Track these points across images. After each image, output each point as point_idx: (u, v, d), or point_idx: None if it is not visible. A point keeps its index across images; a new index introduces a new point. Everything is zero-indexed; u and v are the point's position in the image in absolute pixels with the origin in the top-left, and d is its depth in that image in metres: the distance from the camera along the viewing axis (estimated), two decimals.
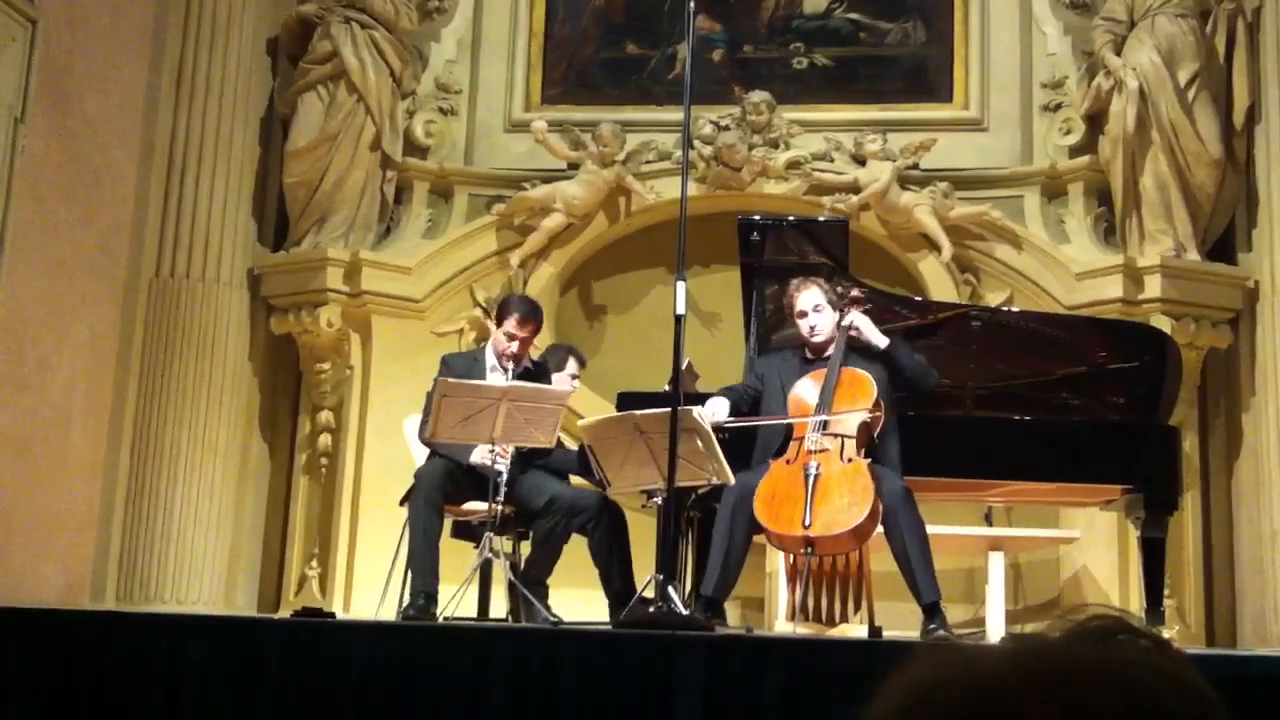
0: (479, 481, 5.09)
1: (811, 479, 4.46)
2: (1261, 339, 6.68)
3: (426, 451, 5.34)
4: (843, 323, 4.85)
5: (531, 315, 5.39)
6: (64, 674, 3.89)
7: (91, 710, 3.85)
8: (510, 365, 5.31)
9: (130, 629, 4.14)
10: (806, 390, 4.79)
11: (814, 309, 4.89)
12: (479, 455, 5.13)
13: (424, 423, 5.19)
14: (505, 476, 5.03)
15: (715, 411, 4.76)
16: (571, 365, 5.66)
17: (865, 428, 4.66)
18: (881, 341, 4.82)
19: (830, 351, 4.87)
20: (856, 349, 4.84)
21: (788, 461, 4.64)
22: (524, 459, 5.25)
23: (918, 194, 7.24)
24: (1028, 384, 5.68)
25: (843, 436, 4.61)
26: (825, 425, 4.63)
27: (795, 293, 4.96)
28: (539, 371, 5.47)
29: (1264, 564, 6.39)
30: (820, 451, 4.57)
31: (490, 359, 5.45)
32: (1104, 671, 0.72)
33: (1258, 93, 6.84)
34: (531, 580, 5.15)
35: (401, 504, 5.32)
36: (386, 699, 3.68)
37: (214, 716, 3.79)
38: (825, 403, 4.69)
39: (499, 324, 5.42)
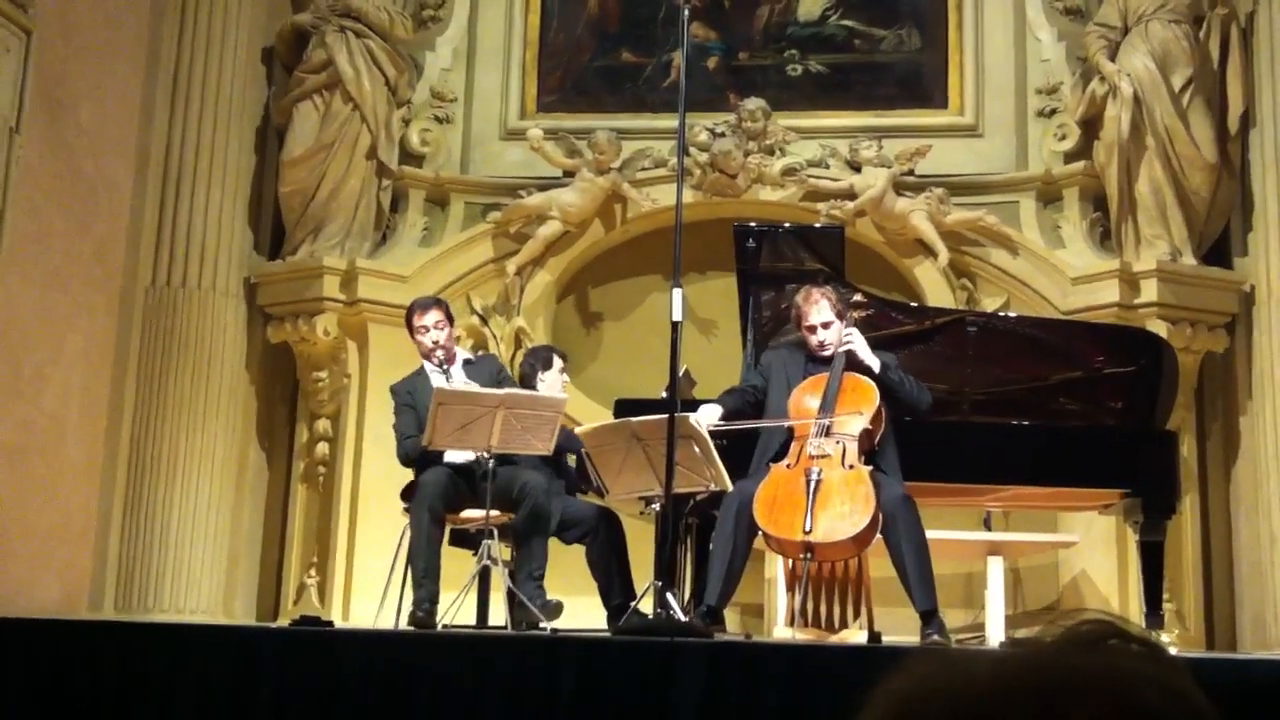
0: (477, 489, 5.10)
1: (813, 484, 4.44)
2: (1258, 343, 6.68)
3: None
4: (841, 337, 4.82)
5: (428, 305, 5.54)
6: (62, 684, 3.89)
7: None
8: (442, 359, 5.40)
9: (128, 639, 4.13)
10: (809, 393, 4.77)
11: (823, 325, 4.82)
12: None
13: (408, 436, 5.28)
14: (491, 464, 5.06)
15: (706, 418, 4.74)
16: (558, 362, 5.72)
17: (867, 434, 4.64)
18: (875, 364, 4.78)
19: (833, 351, 4.85)
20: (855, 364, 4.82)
21: (788, 465, 4.61)
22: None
23: (913, 200, 7.25)
24: (1025, 389, 5.68)
25: (844, 442, 4.59)
26: (828, 430, 4.62)
27: (805, 305, 4.86)
28: (483, 364, 5.60)
29: (1263, 567, 6.39)
30: (822, 456, 4.55)
31: (428, 366, 5.50)
32: (1089, 679, 0.72)
33: (1252, 97, 6.85)
34: (526, 578, 5.11)
35: (403, 497, 5.36)
36: (385, 708, 3.67)
37: None
38: (828, 407, 4.67)
39: (411, 333, 5.51)
